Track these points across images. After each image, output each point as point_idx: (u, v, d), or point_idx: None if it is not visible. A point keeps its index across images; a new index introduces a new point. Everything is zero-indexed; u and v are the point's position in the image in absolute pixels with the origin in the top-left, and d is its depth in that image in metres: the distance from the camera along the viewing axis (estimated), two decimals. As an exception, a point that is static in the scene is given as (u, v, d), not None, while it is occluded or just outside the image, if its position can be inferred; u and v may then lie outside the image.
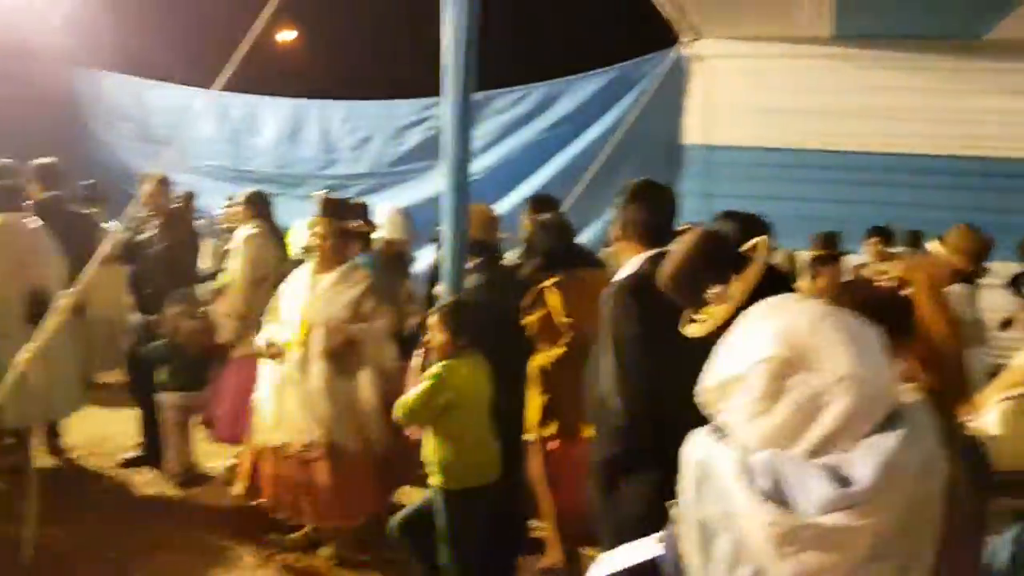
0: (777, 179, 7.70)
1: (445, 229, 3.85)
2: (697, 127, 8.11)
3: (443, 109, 3.85)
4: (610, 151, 7.75)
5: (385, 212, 5.68)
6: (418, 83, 7.29)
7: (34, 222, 5.09)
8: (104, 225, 6.47)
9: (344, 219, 4.32)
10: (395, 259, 5.54)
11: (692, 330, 2.17)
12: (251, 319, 4.63)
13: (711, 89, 8.05)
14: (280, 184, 8.39)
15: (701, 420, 1.59)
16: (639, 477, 2.57)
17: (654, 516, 2.05)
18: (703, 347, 2.11)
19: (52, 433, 5.45)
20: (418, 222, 6.23)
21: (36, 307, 4.63)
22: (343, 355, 4.11)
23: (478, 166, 7.61)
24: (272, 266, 5.21)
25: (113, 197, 7.33)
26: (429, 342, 3.66)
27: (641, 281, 2.62)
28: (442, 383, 3.51)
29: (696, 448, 1.50)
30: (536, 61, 10.21)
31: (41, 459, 5.15)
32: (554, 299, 3.93)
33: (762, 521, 1.34)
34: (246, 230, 5.29)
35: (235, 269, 5.19)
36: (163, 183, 5.69)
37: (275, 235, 5.47)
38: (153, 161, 8.28)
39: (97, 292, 5.88)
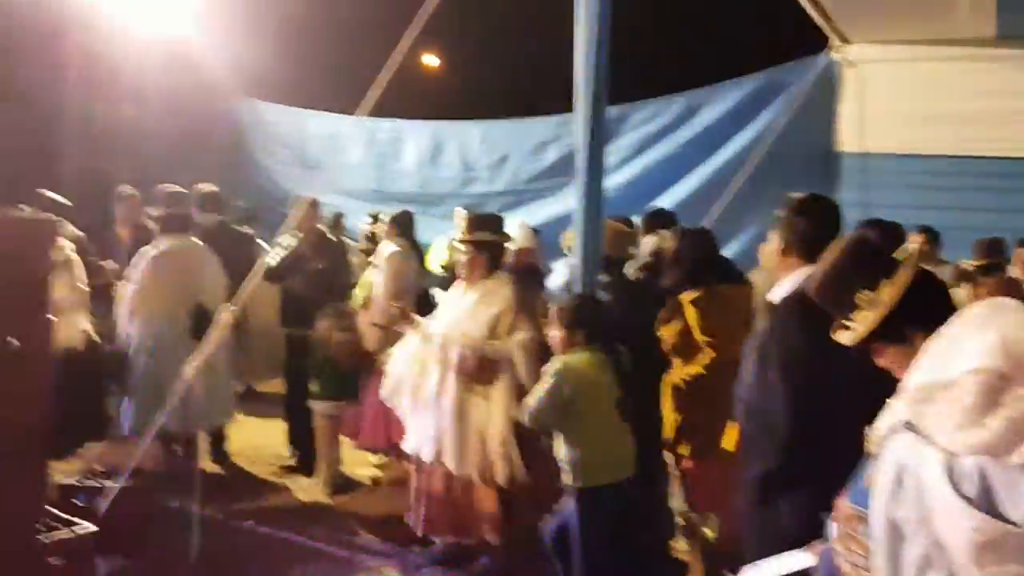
0: (937, 188, 7.23)
1: (577, 244, 3.84)
2: (852, 135, 7.73)
3: (575, 125, 3.86)
4: (757, 162, 7.51)
5: (512, 224, 5.76)
6: (557, 101, 7.34)
7: (199, 244, 5.48)
8: (261, 243, 6.88)
9: (484, 233, 4.37)
10: (529, 272, 5.58)
11: (843, 336, 2.09)
12: (392, 331, 4.77)
13: (865, 95, 7.67)
14: (422, 204, 8.62)
15: (862, 435, 1.51)
16: (797, 491, 2.50)
17: (810, 531, 1.97)
18: (865, 362, 2.05)
19: (216, 441, 5.82)
20: (555, 237, 6.25)
21: (200, 322, 4.99)
22: (477, 373, 4.14)
23: (616, 180, 7.56)
24: (412, 282, 5.45)
25: (271, 219, 7.76)
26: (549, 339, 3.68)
27: (806, 296, 2.56)
28: (562, 379, 3.51)
29: (896, 448, 1.42)
30: (678, 71, 10.05)
31: (207, 466, 5.54)
32: (692, 315, 3.84)
33: (965, 526, 1.27)
34: (389, 247, 5.54)
35: (379, 284, 5.44)
36: (314, 205, 5.99)
37: (416, 253, 5.67)
38: (307, 184, 8.76)
39: (255, 307, 6.25)
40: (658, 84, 8.90)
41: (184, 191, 5.74)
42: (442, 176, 9.23)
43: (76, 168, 8.54)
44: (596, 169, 3.91)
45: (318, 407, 5.44)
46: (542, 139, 8.72)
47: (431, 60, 17.55)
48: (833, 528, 1.65)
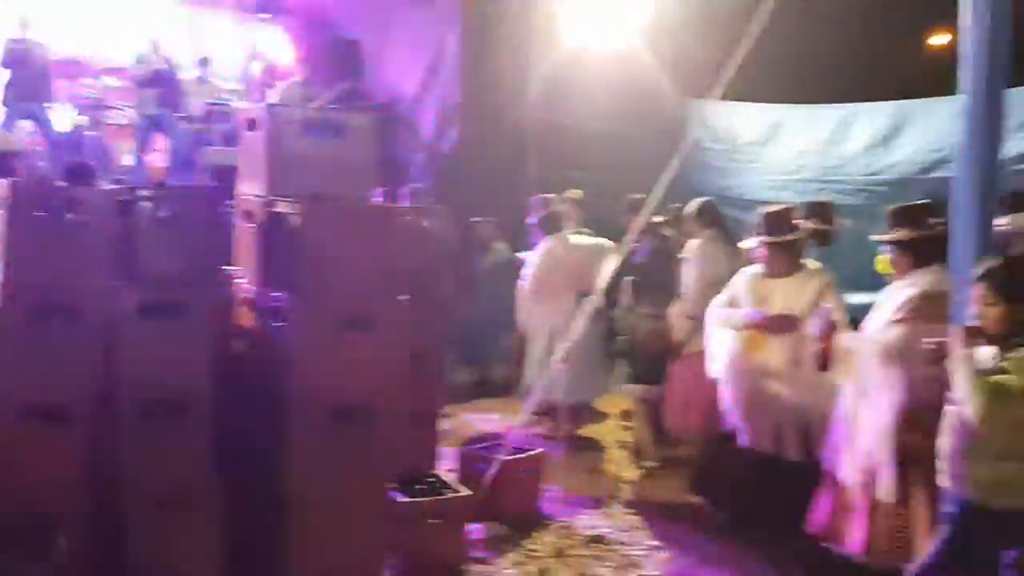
0: None
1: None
2: None
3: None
4: None
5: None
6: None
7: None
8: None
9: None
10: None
11: None
12: (701, 321, 4.89)
13: None
14: (869, 193, 7.77)
15: None
16: None
17: None
18: None
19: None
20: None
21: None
22: None
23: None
24: (723, 272, 5.17)
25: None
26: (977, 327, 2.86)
27: None
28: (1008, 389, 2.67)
29: None
30: None
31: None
32: None
33: None
34: (698, 239, 5.57)
35: (688, 276, 5.48)
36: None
37: (727, 242, 5.53)
38: (739, 178, 8.54)
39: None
40: None
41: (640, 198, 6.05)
42: (897, 159, 8.13)
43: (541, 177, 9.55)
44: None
45: (629, 389, 6.05)
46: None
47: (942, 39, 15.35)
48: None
